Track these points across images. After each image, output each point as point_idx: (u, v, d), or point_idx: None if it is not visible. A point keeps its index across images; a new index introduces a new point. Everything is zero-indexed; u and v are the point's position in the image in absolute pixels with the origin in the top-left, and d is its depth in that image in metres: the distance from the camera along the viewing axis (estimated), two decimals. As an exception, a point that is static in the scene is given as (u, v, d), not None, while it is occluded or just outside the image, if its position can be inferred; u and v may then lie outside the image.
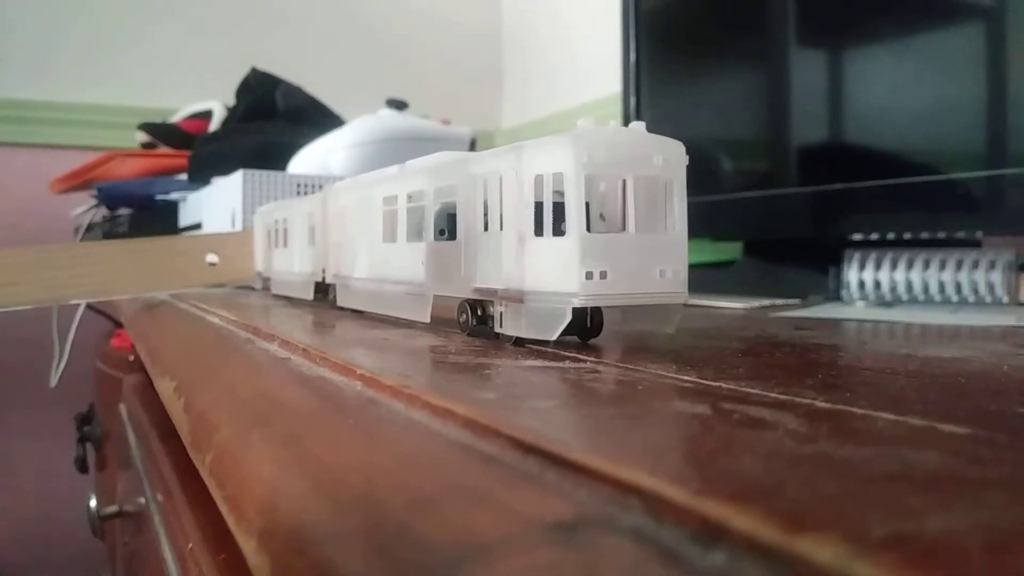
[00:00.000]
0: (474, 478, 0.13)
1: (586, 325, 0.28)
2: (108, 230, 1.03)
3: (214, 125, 1.09)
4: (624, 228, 0.25)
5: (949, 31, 0.53)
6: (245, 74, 1.10)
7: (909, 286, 0.53)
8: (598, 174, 0.25)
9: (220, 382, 0.27)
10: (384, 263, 0.36)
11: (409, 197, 0.34)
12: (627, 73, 0.77)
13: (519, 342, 0.28)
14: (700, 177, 0.38)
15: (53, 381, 1.16)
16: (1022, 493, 0.11)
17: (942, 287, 0.52)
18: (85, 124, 1.36)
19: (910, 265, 0.53)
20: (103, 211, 1.06)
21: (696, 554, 0.09)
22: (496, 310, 0.28)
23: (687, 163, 0.27)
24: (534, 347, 0.27)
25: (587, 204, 0.25)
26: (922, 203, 0.52)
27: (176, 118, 1.16)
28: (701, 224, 0.52)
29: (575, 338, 0.28)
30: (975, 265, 0.51)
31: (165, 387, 0.33)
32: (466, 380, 0.21)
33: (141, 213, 0.99)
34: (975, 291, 0.51)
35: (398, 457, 0.15)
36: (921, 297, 0.53)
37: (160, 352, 0.41)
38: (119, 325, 1.05)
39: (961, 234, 0.53)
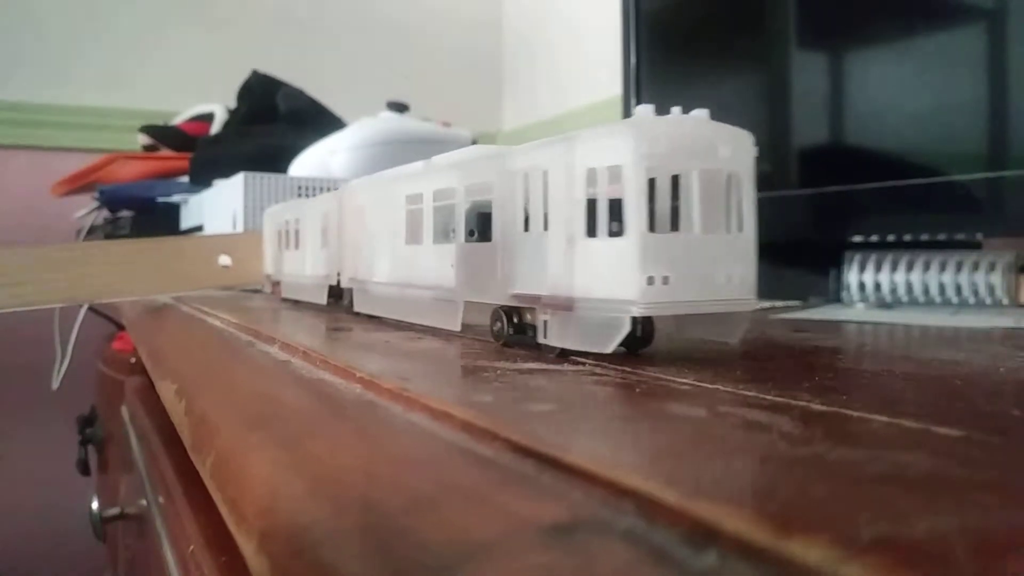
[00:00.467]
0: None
1: (636, 335, 0.25)
2: (110, 232, 1.03)
3: (215, 128, 1.09)
4: (676, 228, 0.23)
5: (948, 33, 0.53)
6: (246, 77, 1.10)
7: (909, 288, 0.53)
8: (660, 167, 0.23)
9: (221, 384, 0.27)
10: (407, 266, 0.34)
11: (436, 195, 0.31)
12: (628, 75, 0.77)
13: (564, 354, 0.25)
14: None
15: (55, 383, 1.16)
16: (1012, 495, 0.11)
17: (942, 289, 0.52)
18: (87, 127, 1.37)
19: (910, 267, 0.54)
20: (105, 213, 1.06)
21: (688, 556, 0.09)
22: (539, 318, 0.25)
23: (756, 154, 0.24)
24: (579, 359, 0.25)
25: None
26: (922, 205, 0.52)
27: (177, 121, 1.17)
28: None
29: (622, 348, 0.25)
30: (975, 267, 0.51)
31: (166, 389, 0.33)
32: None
33: (143, 215, 0.99)
34: (975, 293, 0.51)
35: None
36: (921, 299, 0.53)
37: (162, 354, 0.41)
38: (121, 328, 1.05)
39: (961, 236, 0.53)
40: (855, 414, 0.16)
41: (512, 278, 0.26)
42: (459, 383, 0.22)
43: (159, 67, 1.42)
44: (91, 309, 1.10)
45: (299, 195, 0.75)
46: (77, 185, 1.10)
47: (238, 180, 0.74)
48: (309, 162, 0.86)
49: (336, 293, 0.44)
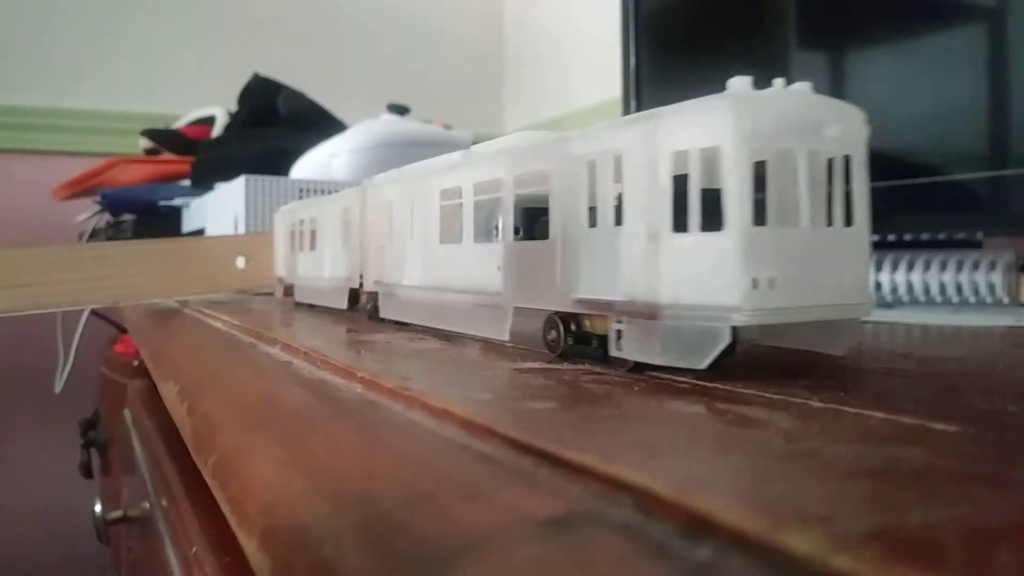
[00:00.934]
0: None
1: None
2: (111, 236, 1.03)
3: (217, 131, 1.10)
4: (775, 222, 0.20)
5: (948, 32, 0.53)
6: (247, 80, 1.10)
7: (910, 287, 0.53)
8: (764, 148, 0.19)
9: (223, 386, 0.27)
10: (443, 268, 0.31)
11: (477, 188, 0.28)
12: (627, 77, 0.77)
13: (638, 368, 0.22)
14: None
15: (58, 387, 1.16)
16: (1004, 488, 0.11)
17: (943, 288, 0.52)
18: (88, 130, 1.37)
19: (911, 266, 0.54)
20: (107, 217, 1.07)
21: (684, 548, 0.09)
22: (610, 327, 0.22)
23: (868, 135, 0.21)
24: (656, 375, 0.21)
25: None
26: (922, 204, 0.52)
27: (179, 124, 1.17)
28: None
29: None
30: (975, 266, 0.51)
31: (169, 391, 0.33)
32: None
33: (144, 219, 0.99)
34: (976, 292, 0.51)
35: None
36: (922, 298, 0.53)
37: (163, 357, 0.41)
38: (123, 331, 1.06)
39: (961, 235, 0.53)
40: (852, 410, 0.16)
41: (575, 281, 0.23)
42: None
43: (160, 71, 1.42)
44: (94, 312, 1.10)
45: (300, 197, 0.76)
46: (79, 189, 1.11)
47: (239, 183, 0.74)
48: (310, 165, 0.86)
49: (356, 297, 0.41)
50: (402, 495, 0.13)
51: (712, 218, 0.19)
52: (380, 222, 0.37)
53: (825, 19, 0.61)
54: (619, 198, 0.22)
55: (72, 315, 1.10)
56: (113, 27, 1.40)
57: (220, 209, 0.82)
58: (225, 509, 0.18)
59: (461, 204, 0.29)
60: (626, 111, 0.77)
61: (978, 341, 0.32)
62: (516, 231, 0.26)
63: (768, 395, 0.18)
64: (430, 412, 0.17)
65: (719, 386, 0.20)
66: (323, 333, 0.34)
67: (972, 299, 0.51)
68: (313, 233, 0.47)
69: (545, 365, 0.24)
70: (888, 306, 0.53)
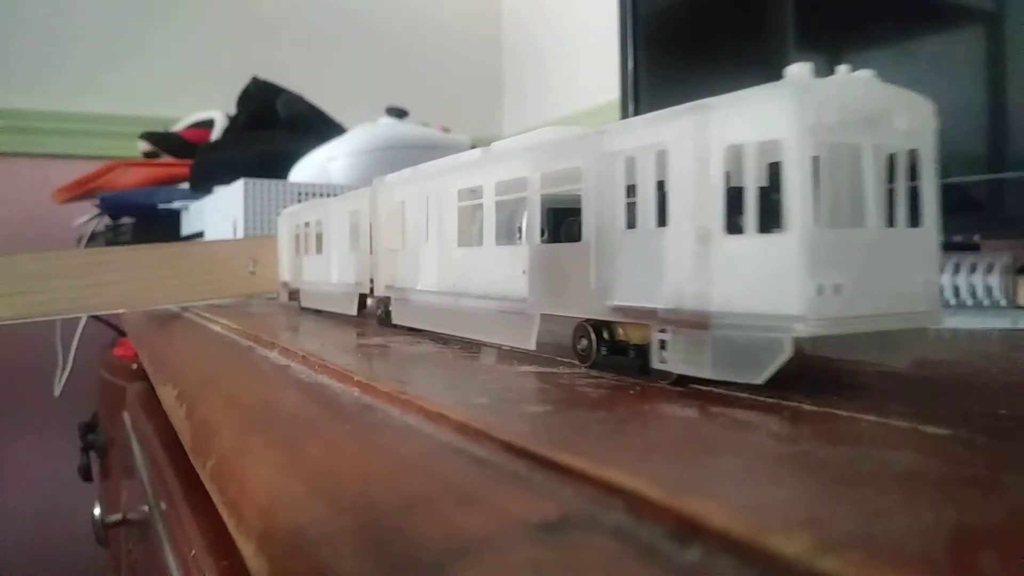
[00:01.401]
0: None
1: None
2: (111, 239, 1.03)
3: (216, 134, 1.10)
4: (839, 222, 0.18)
5: (947, 34, 0.53)
6: (246, 83, 1.10)
7: (906, 290, 0.54)
8: (829, 142, 0.18)
9: (222, 390, 0.27)
10: (462, 273, 0.29)
11: (499, 188, 0.27)
12: (625, 80, 0.78)
13: (682, 381, 0.20)
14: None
15: (57, 390, 1.16)
16: (992, 492, 0.11)
17: (940, 290, 0.52)
18: (87, 134, 1.37)
19: (907, 269, 0.54)
20: (106, 220, 1.07)
21: (673, 550, 0.09)
22: (653, 337, 0.20)
23: (937, 127, 0.20)
24: (699, 388, 0.20)
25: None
26: (919, 207, 0.52)
27: (178, 127, 1.17)
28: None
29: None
30: (973, 268, 0.52)
31: (167, 395, 0.33)
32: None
33: (143, 222, 0.99)
34: (973, 294, 0.51)
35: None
36: (918, 300, 0.53)
37: (162, 361, 0.42)
38: (122, 334, 1.06)
39: (959, 238, 0.54)
40: (845, 414, 0.16)
41: (610, 286, 0.21)
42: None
43: (159, 74, 1.42)
44: (92, 316, 1.10)
45: (299, 201, 0.76)
46: (78, 192, 1.11)
47: (238, 186, 0.75)
48: (309, 168, 0.86)
49: (365, 302, 0.40)
50: (398, 498, 0.13)
51: (764, 218, 0.17)
52: (392, 224, 0.35)
53: (823, 22, 0.62)
54: (661, 197, 0.20)
55: (71, 319, 1.10)
56: (112, 31, 1.40)
57: (219, 212, 0.82)
58: (223, 512, 0.18)
59: (481, 204, 0.27)
60: (624, 114, 0.78)
61: (975, 343, 0.33)
62: (542, 233, 0.25)
63: (762, 398, 0.18)
64: (426, 416, 0.17)
65: (714, 390, 0.20)
66: (334, 339, 0.34)
67: (969, 301, 0.51)
68: (319, 236, 0.46)
69: (542, 369, 0.24)
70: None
